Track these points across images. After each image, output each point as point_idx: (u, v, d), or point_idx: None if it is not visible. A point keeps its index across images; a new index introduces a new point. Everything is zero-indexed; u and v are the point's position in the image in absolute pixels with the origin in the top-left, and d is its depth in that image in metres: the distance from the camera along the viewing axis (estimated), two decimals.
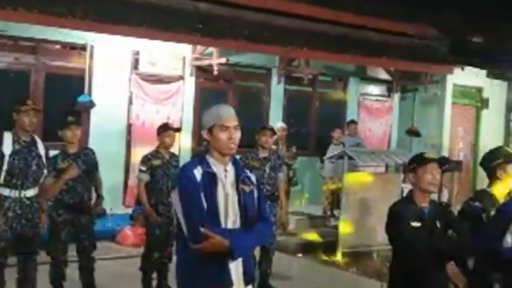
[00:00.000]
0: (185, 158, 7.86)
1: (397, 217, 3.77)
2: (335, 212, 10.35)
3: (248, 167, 6.18)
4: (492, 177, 4.21)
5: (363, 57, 11.36)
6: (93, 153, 5.86)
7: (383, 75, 12.74)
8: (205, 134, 3.16)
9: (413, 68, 12.19)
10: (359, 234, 8.60)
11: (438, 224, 3.80)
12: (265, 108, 11.43)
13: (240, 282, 3.09)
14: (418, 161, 3.88)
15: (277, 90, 11.49)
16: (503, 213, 3.71)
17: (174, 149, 6.85)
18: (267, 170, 6.64)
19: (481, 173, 14.52)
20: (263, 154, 6.69)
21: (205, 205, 3.01)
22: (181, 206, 3.01)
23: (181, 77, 10.29)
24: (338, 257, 8.48)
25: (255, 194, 3.19)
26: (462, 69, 12.51)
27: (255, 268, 6.55)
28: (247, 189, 3.13)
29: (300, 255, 8.88)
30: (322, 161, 10.66)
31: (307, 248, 9.09)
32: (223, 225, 3.05)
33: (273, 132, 6.86)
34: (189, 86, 10.35)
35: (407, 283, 3.74)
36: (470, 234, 4.05)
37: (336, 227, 9.11)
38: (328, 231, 9.84)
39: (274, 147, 8.43)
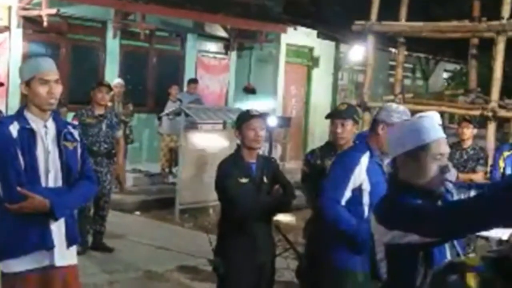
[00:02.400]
0: None
1: (224, 173, 3.82)
2: (173, 169, 10.37)
3: (83, 125, 6.07)
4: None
5: (200, 13, 11.33)
6: None
7: (221, 32, 12.83)
8: (22, 87, 2.96)
9: (248, 26, 12.39)
10: (197, 191, 8.70)
11: (265, 179, 3.89)
12: (100, 63, 11.03)
13: (62, 243, 2.99)
14: (242, 118, 3.92)
15: (112, 44, 11.12)
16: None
17: (1, 107, 6.41)
18: (104, 127, 6.49)
19: (312, 129, 15.32)
20: (99, 111, 6.52)
21: (22, 163, 2.85)
22: None
23: (7, 28, 9.60)
24: (176, 213, 8.55)
25: (79, 151, 3.08)
26: (295, 28, 12.98)
27: (88, 229, 6.47)
28: (69, 146, 3.00)
29: (138, 213, 8.83)
30: (160, 118, 10.58)
31: (145, 206, 9.06)
32: (43, 184, 2.93)
33: (109, 88, 6.75)
34: (16, 38, 9.69)
35: (234, 236, 3.83)
36: (309, 181, 4.30)
37: (174, 184, 9.16)
38: (166, 188, 9.89)
39: (110, 104, 8.22)
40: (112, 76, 10.43)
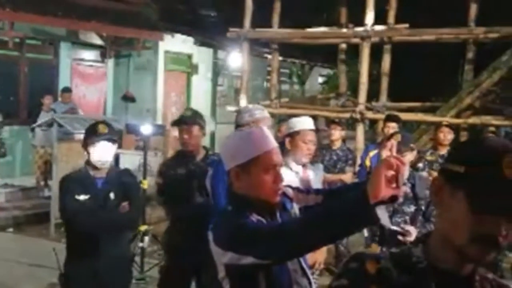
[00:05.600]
0: None
1: (64, 189, 3.68)
2: (49, 182, 10.01)
3: None
4: None
5: (72, 21, 11.03)
6: None
7: (96, 40, 12.56)
8: None
9: (123, 34, 12.23)
10: None
11: (112, 195, 3.72)
12: None
13: None
14: (88, 133, 3.75)
15: None
16: None
17: None
18: None
19: None
20: None
21: None
22: None
23: None
24: (51, 228, 8.26)
25: None
26: (172, 36, 12.99)
27: None
28: None
29: (10, 230, 8.45)
30: (33, 130, 10.18)
31: (19, 222, 8.70)
32: None
33: None
34: None
35: (77, 254, 3.73)
36: (166, 193, 4.25)
37: (50, 198, 8.84)
38: (42, 202, 9.53)
39: None
40: None
